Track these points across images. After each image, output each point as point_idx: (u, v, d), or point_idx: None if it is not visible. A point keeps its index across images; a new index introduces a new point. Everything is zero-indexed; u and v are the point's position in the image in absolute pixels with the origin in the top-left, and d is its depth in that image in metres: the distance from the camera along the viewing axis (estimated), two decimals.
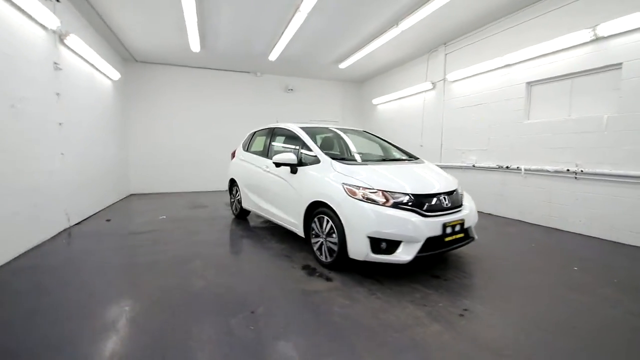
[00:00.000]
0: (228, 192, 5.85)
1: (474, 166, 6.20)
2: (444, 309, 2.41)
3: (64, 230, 4.53)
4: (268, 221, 5.25)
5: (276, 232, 4.59)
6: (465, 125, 6.46)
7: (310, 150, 3.63)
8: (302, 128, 4.05)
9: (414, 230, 2.73)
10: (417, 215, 2.79)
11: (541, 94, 5.10)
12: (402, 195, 2.86)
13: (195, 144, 8.84)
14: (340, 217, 2.92)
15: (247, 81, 9.29)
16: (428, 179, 3.26)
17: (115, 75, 6.67)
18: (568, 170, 4.61)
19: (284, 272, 3.12)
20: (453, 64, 6.70)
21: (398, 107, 8.80)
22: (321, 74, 9.54)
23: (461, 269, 3.23)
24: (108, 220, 5.26)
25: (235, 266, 3.34)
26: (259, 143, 5.04)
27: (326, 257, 3.19)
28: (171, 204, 6.92)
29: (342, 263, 3.04)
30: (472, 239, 3.24)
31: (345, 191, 2.94)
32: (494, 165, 5.81)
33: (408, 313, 2.34)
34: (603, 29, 4.09)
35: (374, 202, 2.83)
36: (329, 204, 3.05)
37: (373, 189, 2.89)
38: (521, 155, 5.34)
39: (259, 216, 5.62)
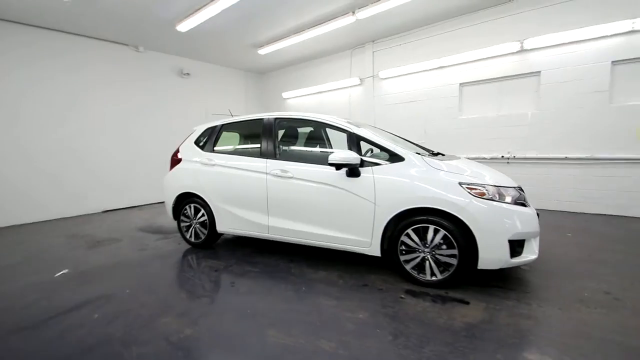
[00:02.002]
0: (172, 214, 4.01)
1: None
2: (594, 298, 2.39)
3: None
4: (245, 245, 3.92)
5: (289, 256, 3.46)
6: (400, 120, 6.89)
7: (377, 145, 2.88)
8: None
9: (538, 225, 2.61)
10: (528, 209, 2.66)
11: (473, 93, 6.01)
12: (513, 190, 2.67)
13: (43, 148, 5.65)
14: (468, 223, 2.43)
15: (124, 57, 6.69)
16: (497, 172, 3.19)
17: None
18: (502, 156, 5.65)
19: (409, 309, 2.33)
20: (383, 62, 6.99)
21: (316, 102, 8.49)
22: (226, 60, 8.04)
23: None
24: None
25: (339, 318, 2.21)
26: (241, 140, 3.67)
27: (433, 274, 2.61)
28: (41, 245, 4.15)
29: (459, 278, 2.56)
30: None
31: (468, 192, 2.47)
32: None
33: (587, 314, 2.19)
34: (528, 43, 5.16)
35: (494, 200, 2.50)
36: (443, 209, 2.49)
37: (485, 185, 2.55)
38: (458, 146, 6.15)
39: (232, 239, 4.14)
